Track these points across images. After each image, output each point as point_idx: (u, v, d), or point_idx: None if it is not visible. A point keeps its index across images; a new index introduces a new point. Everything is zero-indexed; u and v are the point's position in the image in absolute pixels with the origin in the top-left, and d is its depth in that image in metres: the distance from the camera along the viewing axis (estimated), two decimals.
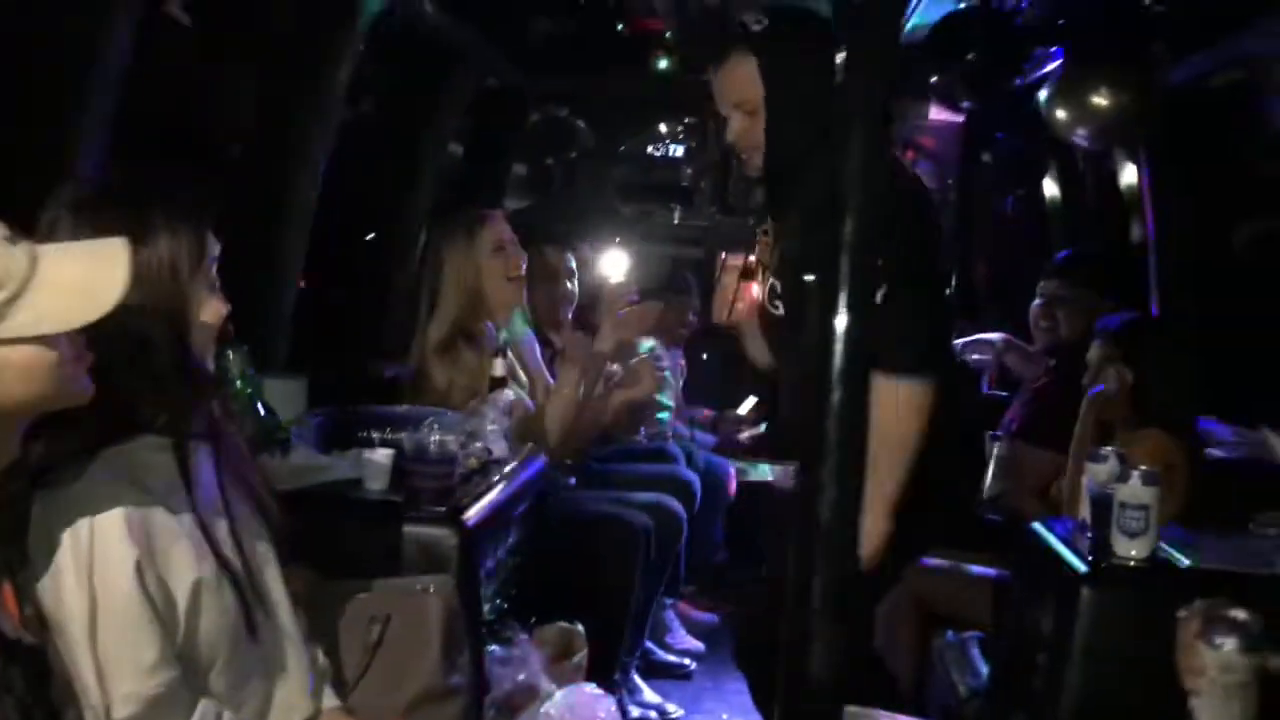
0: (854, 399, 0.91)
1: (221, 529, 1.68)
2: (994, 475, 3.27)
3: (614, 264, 4.55)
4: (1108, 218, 4.58)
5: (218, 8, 2.96)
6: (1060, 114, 3.70)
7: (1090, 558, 2.23)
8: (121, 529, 1.52)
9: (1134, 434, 2.77)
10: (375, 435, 2.54)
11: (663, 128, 5.44)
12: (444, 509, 2.33)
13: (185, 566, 1.59)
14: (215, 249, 1.81)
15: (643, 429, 4.29)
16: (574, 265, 4.04)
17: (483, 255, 3.18)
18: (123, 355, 1.56)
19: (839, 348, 0.89)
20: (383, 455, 2.40)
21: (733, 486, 4.54)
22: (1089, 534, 2.30)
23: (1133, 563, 2.20)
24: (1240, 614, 1.88)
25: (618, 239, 5.19)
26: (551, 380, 3.35)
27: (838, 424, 0.89)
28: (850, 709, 2.31)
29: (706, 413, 5.02)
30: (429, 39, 3.85)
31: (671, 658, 4.03)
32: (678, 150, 5.42)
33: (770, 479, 5.14)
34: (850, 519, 0.92)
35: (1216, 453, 3.31)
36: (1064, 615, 2.19)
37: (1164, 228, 4.10)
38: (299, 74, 3.16)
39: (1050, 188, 5.02)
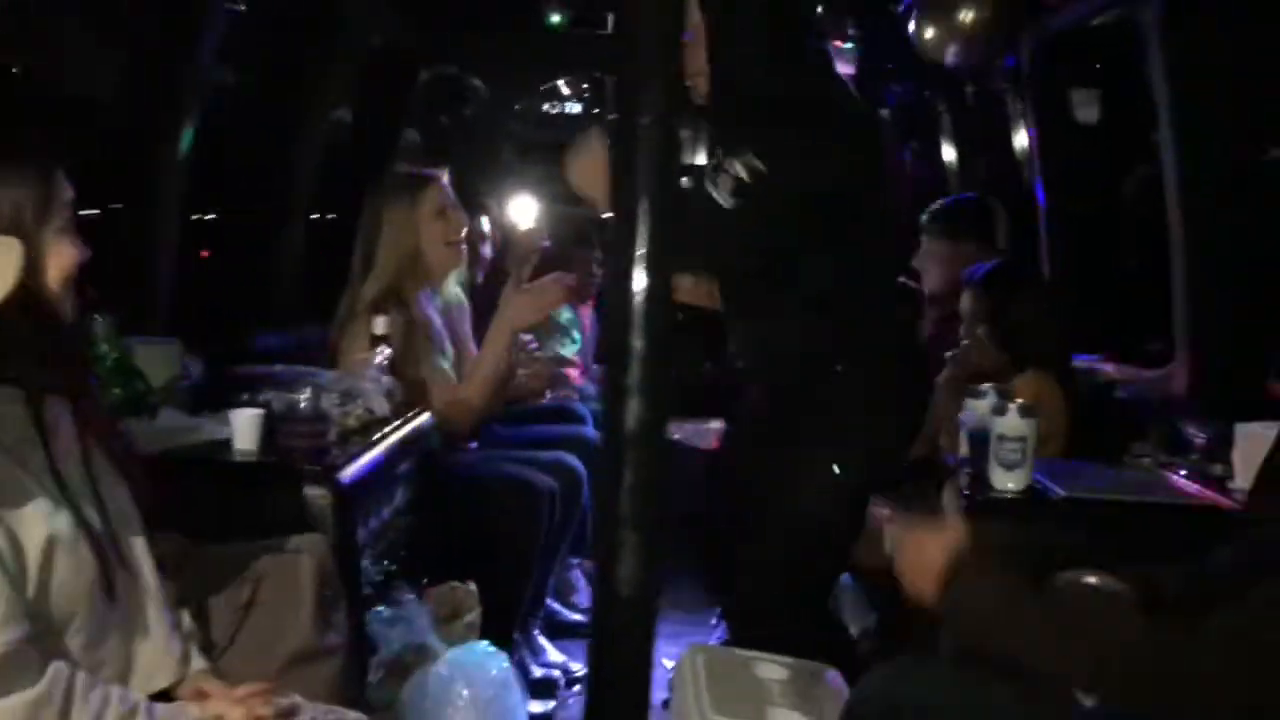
0: (656, 307, 0.89)
1: (80, 486, 1.63)
2: None
3: (522, 210, 4.46)
4: (1000, 167, 4.64)
5: None
6: (929, 32, 3.75)
7: (967, 492, 2.25)
8: None
9: (1015, 375, 2.81)
10: (246, 396, 2.46)
11: (561, 85, 5.37)
12: (317, 468, 2.28)
13: (36, 521, 1.55)
14: (67, 193, 1.73)
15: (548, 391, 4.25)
16: (486, 228, 4.01)
17: (424, 217, 3.11)
18: None
19: (639, 266, 0.86)
20: (251, 415, 2.33)
21: None
22: (967, 468, 2.32)
23: (1010, 495, 2.22)
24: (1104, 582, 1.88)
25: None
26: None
27: (641, 333, 0.87)
28: (694, 646, 2.31)
29: None
30: None
31: (576, 616, 4.01)
32: (575, 108, 5.37)
33: (676, 436, 5.15)
34: (655, 428, 0.89)
35: (1100, 390, 3.38)
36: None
37: (1048, 175, 4.16)
38: (167, 31, 3.05)
39: (945, 139, 5.06)
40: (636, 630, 0.85)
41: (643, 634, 0.85)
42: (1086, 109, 3.88)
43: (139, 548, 1.72)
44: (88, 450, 1.66)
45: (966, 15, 3.70)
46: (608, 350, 0.91)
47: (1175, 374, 3.34)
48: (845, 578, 3.03)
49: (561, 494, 3.40)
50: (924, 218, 3.74)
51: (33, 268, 1.64)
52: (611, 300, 0.89)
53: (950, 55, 3.80)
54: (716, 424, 5.19)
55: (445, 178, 3.22)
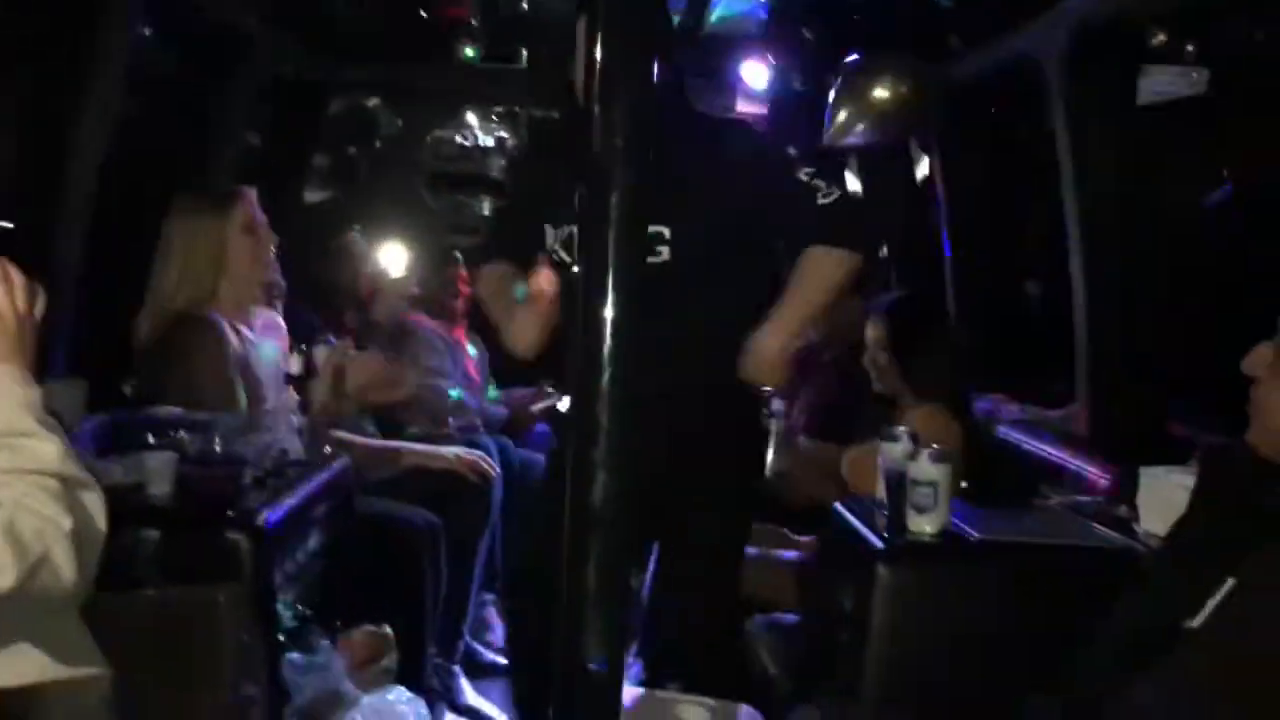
0: (624, 381, 0.89)
1: None
2: (775, 452, 3.32)
3: (392, 258, 4.46)
4: (906, 208, 4.74)
5: None
6: (841, 115, 3.84)
7: (885, 535, 2.29)
8: None
9: (910, 409, 2.88)
10: (152, 438, 2.39)
11: (471, 117, 5.35)
12: (234, 514, 2.22)
13: None
14: None
15: (451, 420, 4.20)
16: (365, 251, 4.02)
17: (233, 232, 3.03)
18: None
19: (608, 330, 0.86)
20: (164, 458, 2.27)
21: None
22: (884, 511, 2.36)
23: (926, 538, 2.26)
24: None
25: (424, 229, 5.10)
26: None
27: (609, 407, 0.87)
28: (631, 690, 2.31)
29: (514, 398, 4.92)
30: (212, 27, 3.68)
31: (494, 656, 3.96)
32: (488, 140, 5.34)
33: None
34: (623, 504, 0.89)
35: (1004, 430, 3.48)
36: (862, 592, 2.24)
37: (952, 215, 4.27)
38: (68, 63, 2.96)
39: (851, 180, 5.15)
40: (602, 709, 0.85)
41: (609, 713, 0.85)
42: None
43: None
44: None
45: (880, 95, 3.78)
46: (575, 424, 0.90)
47: (1076, 415, 3.44)
48: (758, 617, 3.05)
49: (456, 530, 3.37)
50: None
51: None
52: (578, 374, 0.89)
53: (860, 137, 3.91)
54: None
55: (253, 195, 3.14)
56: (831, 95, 3.94)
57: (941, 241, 4.34)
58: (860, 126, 3.87)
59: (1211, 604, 1.68)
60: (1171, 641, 1.68)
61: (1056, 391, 3.73)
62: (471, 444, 4.11)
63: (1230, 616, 1.60)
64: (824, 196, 2.52)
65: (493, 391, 4.78)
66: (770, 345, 2.49)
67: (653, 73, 1.00)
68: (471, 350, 4.71)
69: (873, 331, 3.06)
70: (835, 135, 3.94)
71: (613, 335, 0.87)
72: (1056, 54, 3.26)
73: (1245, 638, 1.59)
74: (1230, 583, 1.59)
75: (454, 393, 4.26)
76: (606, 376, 0.88)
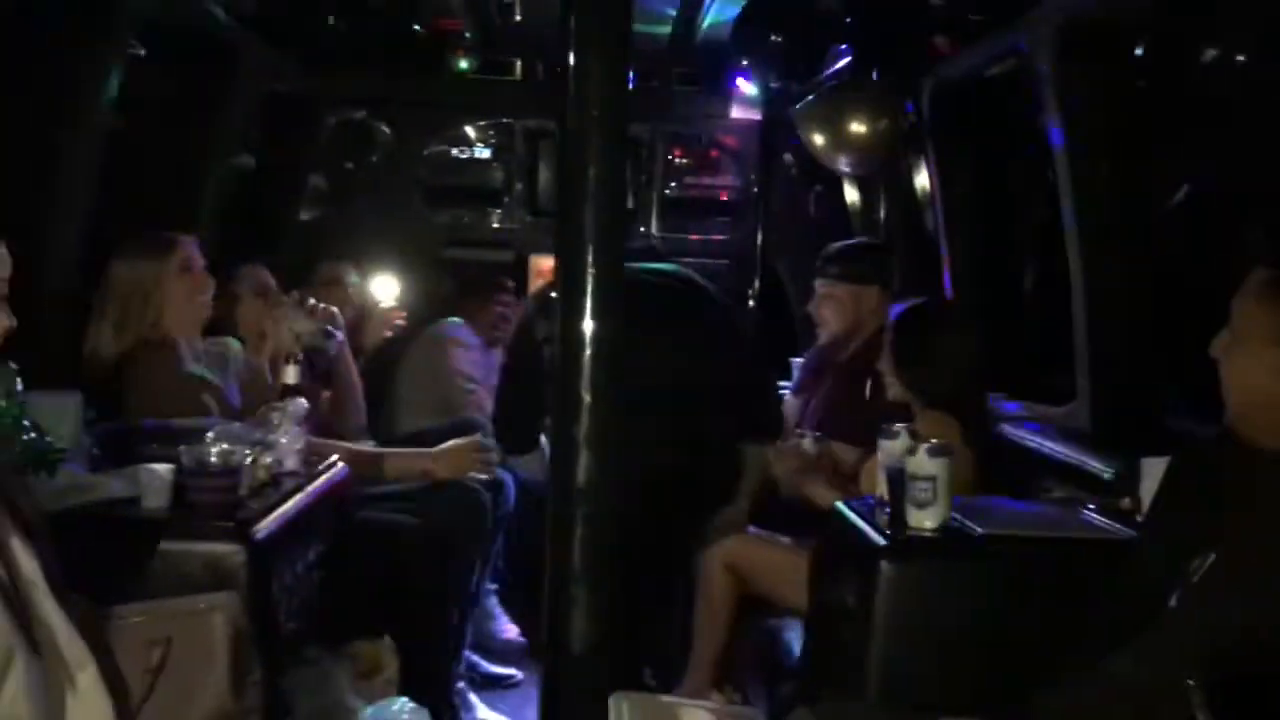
0: (605, 359, 0.88)
1: None
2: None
3: (382, 288, 4.50)
4: (902, 211, 4.73)
5: None
6: (818, 139, 3.86)
7: (887, 531, 2.27)
8: None
9: (919, 414, 2.86)
10: (154, 448, 2.39)
11: (469, 130, 5.35)
12: (230, 524, 2.21)
13: None
14: None
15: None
16: (354, 278, 4.05)
17: (169, 274, 3.13)
18: None
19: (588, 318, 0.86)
20: (161, 470, 2.26)
21: None
22: (886, 509, 2.35)
23: (927, 533, 2.25)
24: None
25: (424, 245, 5.11)
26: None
27: (590, 385, 0.86)
28: (619, 693, 2.31)
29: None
30: (203, 42, 3.69)
31: (496, 669, 3.95)
32: (484, 152, 5.35)
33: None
34: (606, 481, 0.89)
35: (1009, 430, 3.46)
36: (865, 589, 2.23)
37: (950, 218, 4.26)
38: (59, 78, 2.97)
39: (848, 184, 5.15)
40: (589, 687, 0.84)
41: (597, 691, 0.84)
42: None
43: (51, 608, 1.66)
44: None
45: (853, 127, 3.81)
46: (557, 403, 0.90)
47: (1078, 410, 3.42)
48: (768, 618, 3.05)
49: (462, 533, 3.36)
50: (821, 261, 3.78)
51: None
52: (561, 352, 0.89)
53: (841, 164, 3.94)
54: None
55: (194, 243, 3.28)
56: (803, 113, 3.97)
57: (939, 243, 4.33)
58: (841, 158, 3.90)
59: (1194, 578, 1.69)
60: (1153, 619, 1.69)
61: (1059, 388, 3.71)
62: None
63: (1211, 588, 1.61)
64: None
65: None
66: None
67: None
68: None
69: (885, 338, 3.07)
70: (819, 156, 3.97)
71: (595, 319, 0.87)
72: (1046, 50, 3.25)
73: (1223, 609, 1.60)
74: (1211, 557, 1.60)
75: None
76: (588, 355, 0.87)
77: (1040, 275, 4.24)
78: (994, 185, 4.35)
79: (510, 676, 3.93)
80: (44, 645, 1.60)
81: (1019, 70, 3.65)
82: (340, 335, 3.70)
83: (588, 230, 0.86)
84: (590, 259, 0.86)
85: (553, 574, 0.87)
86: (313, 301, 3.73)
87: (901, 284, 4.64)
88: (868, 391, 3.39)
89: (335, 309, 3.81)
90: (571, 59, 0.87)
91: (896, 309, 3.11)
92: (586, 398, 0.85)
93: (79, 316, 3.17)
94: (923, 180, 4.48)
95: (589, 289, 0.85)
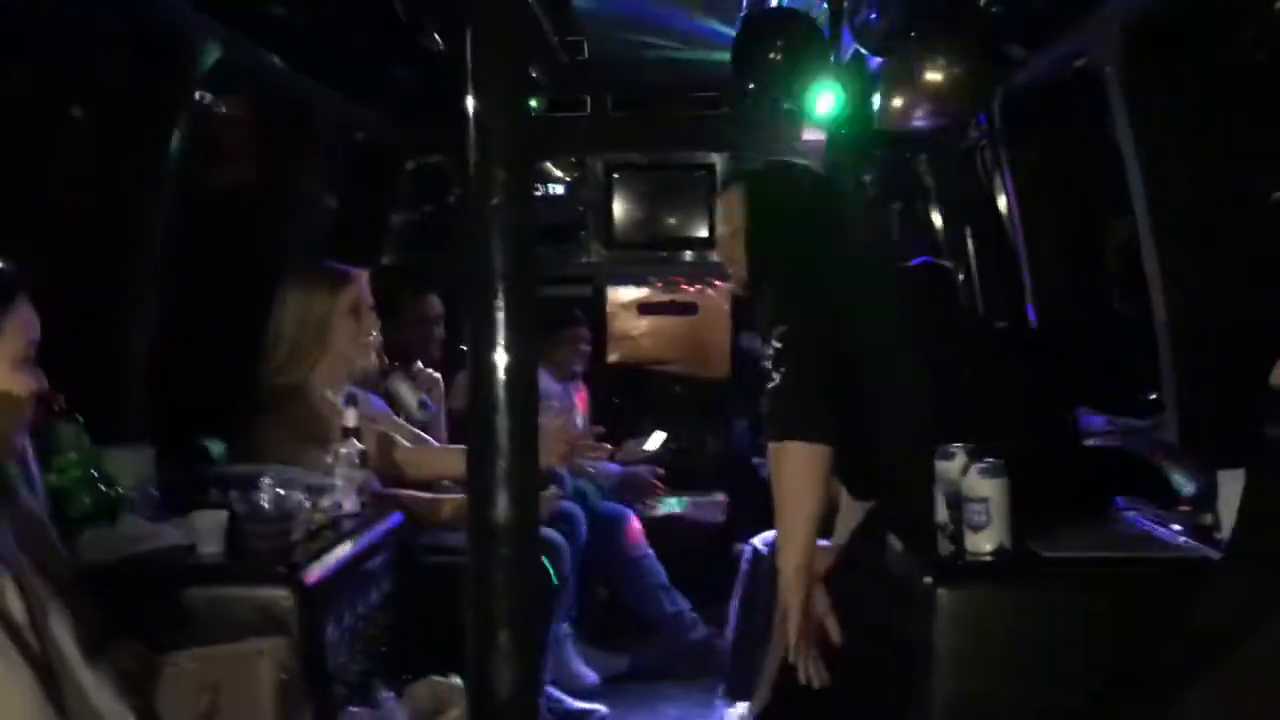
0: (520, 391, 0.86)
1: (14, 602, 1.61)
2: None
3: None
4: (983, 228, 4.62)
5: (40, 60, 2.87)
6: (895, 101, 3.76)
7: (942, 555, 2.19)
8: None
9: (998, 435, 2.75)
10: (213, 494, 2.43)
11: (544, 166, 5.41)
12: (280, 569, 2.24)
13: None
14: (21, 325, 1.75)
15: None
16: (441, 309, 4.08)
17: (339, 313, 3.12)
18: None
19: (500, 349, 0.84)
20: (214, 517, 2.30)
21: (634, 525, 4.49)
22: (947, 532, 2.26)
23: (984, 558, 2.16)
24: None
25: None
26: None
27: (506, 419, 0.84)
28: None
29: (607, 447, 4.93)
30: (275, 93, 3.79)
31: (577, 704, 3.92)
32: (558, 189, 5.40)
33: (679, 511, 5.08)
34: (526, 520, 0.86)
35: (1091, 443, 3.32)
36: (923, 617, 2.15)
37: (1030, 235, 4.14)
38: (131, 129, 3.07)
39: (932, 204, 5.04)
40: None
41: None
42: None
43: (86, 674, 1.69)
44: (19, 563, 1.64)
45: (933, 77, 3.70)
46: (470, 442, 0.88)
47: (1165, 424, 3.27)
48: None
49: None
50: None
51: None
52: (473, 388, 0.87)
53: (918, 119, 3.81)
54: (720, 497, 5.16)
55: (365, 278, 3.23)
56: (881, 79, 3.87)
57: (1019, 258, 4.21)
58: (918, 112, 3.78)
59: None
60: (1235, 649, 1.57)
61: (1146, 401, 3.56)
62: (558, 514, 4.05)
63: None
64: None
65: None
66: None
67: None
68: (575, 399, 4.79)
69: None
70: (891, 120, 3.85)
71: (508, 349, 0.85)
72: (1114, 53, 3.14)
73: None
74: None
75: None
76: (501, 387, 0.85)
77: (1125, 285, 4.08)
78: (1072, 194, 4.21)
79: (593, 712, 3.90)
80: (82, 709, 1.63)
81: (1090, 75, 3.54)
82: (435, 407, 3.75)
83: (495, 261, 0.84)
84: (500, 289, 0.84)
85: (475, 619, 0.84)
86: (420, 365, 3.76)
87: (985, 305, 4.53)
88: None
89: (438, 375, 3.85)
90: (470, 94, 0.86)
91: None
92: (502, 433, 0.83)
93: (160, 370, 3.26)
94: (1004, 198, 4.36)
95: (499, 319, 0.83)
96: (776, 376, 2.42)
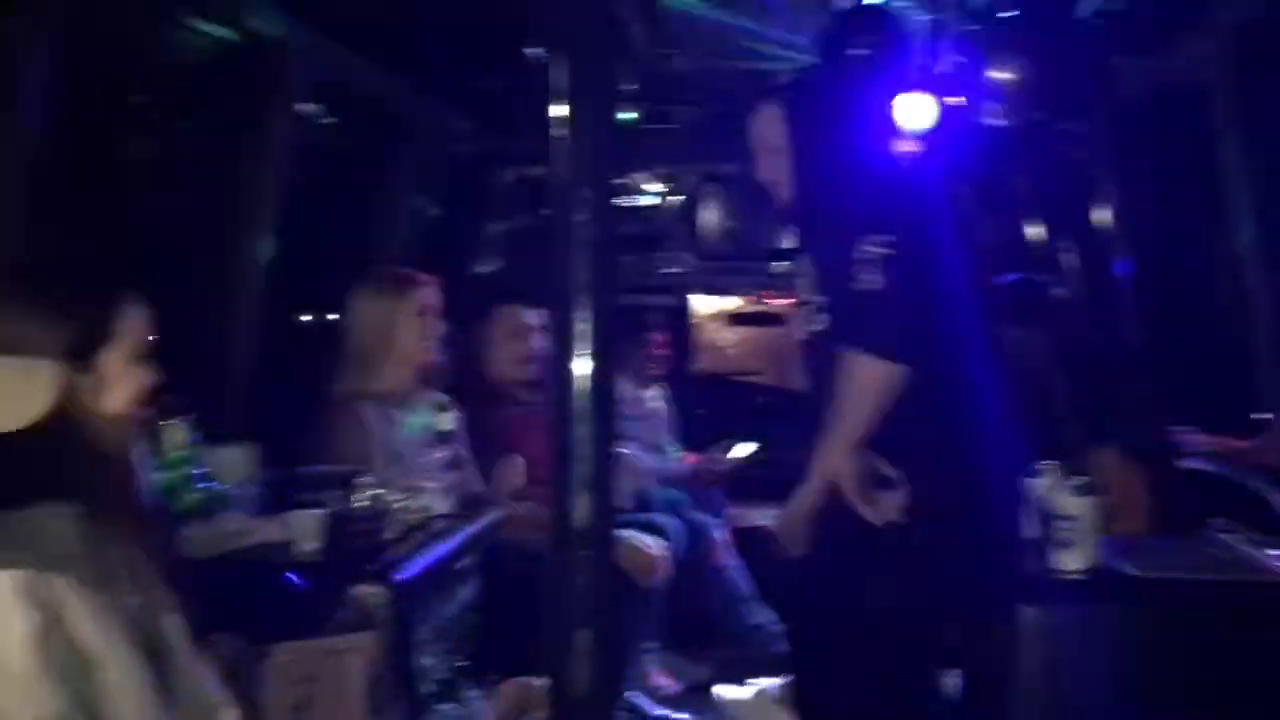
0: (601, 399, 0.89)
1: (126, 597, 1.67)
2: None
3: None
4: (1084, 243, 4.53)
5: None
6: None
7: (1029, 574, 2.17)
8: (10, 593, 1.51)
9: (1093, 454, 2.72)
10: (310, 494, 2.51)
11: (634, 176, 5.44)
12: (372, 567, 2.30)
13: (88, 633, 1.58)
14: (134, 320, 1.79)
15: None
16: (535, 322, 4.07)
17: (404, 314, 3.17)
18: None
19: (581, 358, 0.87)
20: (311, 515, 2.37)
21: (723, 535, 4.51)
22: (1034, 550, 2.24)
23: (1072, 575, 2.13)
24: None
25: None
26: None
27: (588, 425, 0.87)
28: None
29: (690, 458, 4.94)
30: (370, 106, 3.89)
31: (661, 711, 3.93)
32: (647, 199, 5.43)
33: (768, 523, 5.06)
34: (606, 523, 0.89)
35: (1190, 463, 3.24)
36: (1008, 633, 2.12)
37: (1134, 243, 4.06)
38: (234, 135, 3.19)
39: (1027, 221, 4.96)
40: None
41: None
42: None
43: (193, 660, 1.75)
44: (134, 559, 1.70)
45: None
46: (553, 445, 0.91)
47: (1271, 443, 3.18)
48: None
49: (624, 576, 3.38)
50: None
51: (75, 393, 1.70)
52: (555, 394, 0.90)
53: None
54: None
55: (435, 284, 3.27)
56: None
57: (1119, 272, 4.12)
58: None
59: None
60: None
61: (1255, 421, 3.47)
62: (648, 525, 4.06)
63: None
64: None
65: (674, 451, 4.85)
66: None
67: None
68: (658, 407, 4.81)
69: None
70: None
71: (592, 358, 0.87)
72: (1214, 60, 3.07)
73: None
74: None
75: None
76: (583, 395, 0.88)
77: (1230, 300, 3.98)
78: (1181, 207, 4.11)
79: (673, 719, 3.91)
80: (188, 696, 1.69)
81: (1195, 84, 3.46)
82: None
83: (575, 273, 0.87)
84: (579, 301, 0.86)
85: (554, 619, 0.87)
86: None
87: (1088, 322, 4.43)
88: None
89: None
90: (554, 106, 0.89)
91: None
92: (584, 438, 0.86)
93: (265, 370, 3.36)
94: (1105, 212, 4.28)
95: (578, 330, 0.86)
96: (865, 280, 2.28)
